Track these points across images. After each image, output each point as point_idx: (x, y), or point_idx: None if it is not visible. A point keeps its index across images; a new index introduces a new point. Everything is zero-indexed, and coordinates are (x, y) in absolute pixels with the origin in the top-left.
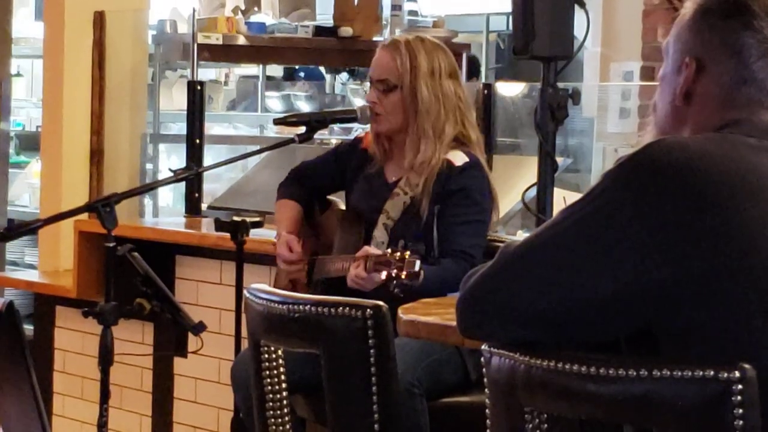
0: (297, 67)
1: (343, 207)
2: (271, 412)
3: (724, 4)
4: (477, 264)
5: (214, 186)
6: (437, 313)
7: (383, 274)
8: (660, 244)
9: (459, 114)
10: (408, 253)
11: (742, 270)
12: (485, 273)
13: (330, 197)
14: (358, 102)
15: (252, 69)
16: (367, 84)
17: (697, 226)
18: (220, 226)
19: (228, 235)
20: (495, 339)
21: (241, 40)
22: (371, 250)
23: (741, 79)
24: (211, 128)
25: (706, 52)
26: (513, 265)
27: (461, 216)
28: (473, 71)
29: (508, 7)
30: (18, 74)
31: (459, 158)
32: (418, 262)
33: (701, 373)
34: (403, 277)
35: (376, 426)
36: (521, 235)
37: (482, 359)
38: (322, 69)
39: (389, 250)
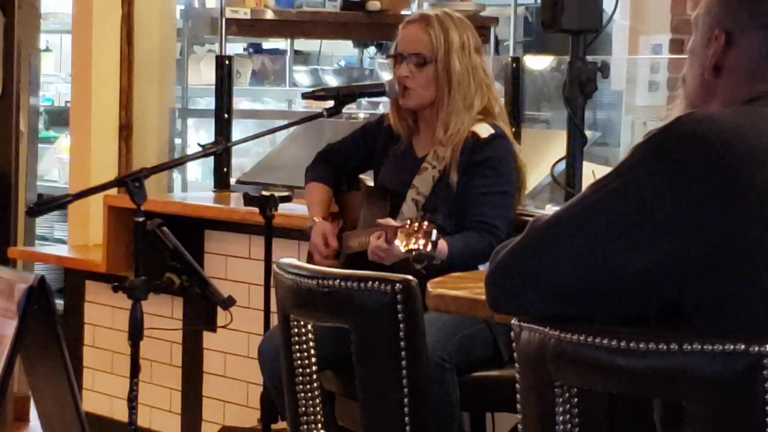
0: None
1: (368, 183)
2: (301, 387)
3: None
4: (501, 235)
5: (242, 160)
6: (467, 287)
7: (402, 246)
8: (690, 217)
9: (485, 87)
10: (426, 223)
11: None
12: (514, 247)
13: (360, 176)
14: (386, 76)
15: (280, 43)
16: (391, 59)
17: (727, 200)
18: (248, 200)
19: (257, 209)
20: (524, 313)
21: (269, 15)
22: (391, 222)
23: None
24: (239, 103)
25: (735, 24)
26: (542, 239)
27: (485, 187)
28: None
29: None
30: (47, 49)
31: (485, 130)
32: (434, 231)
33: (731, 346)
34: (420, 247)
35: (405, 400)
36: (550, 209)
37: (512, 333)
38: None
39: (408, 221)
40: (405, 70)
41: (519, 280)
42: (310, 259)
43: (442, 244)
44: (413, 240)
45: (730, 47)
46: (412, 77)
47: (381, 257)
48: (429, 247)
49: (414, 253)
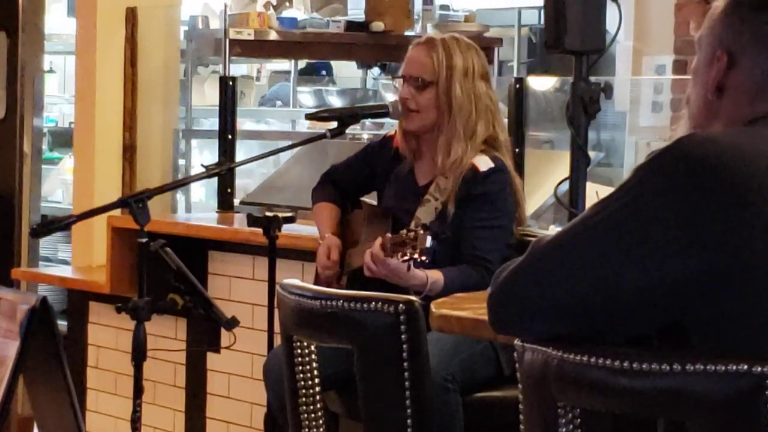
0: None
1: (370, 202)
2: (304, 407)
3: None
4: (494, 270)
5: (246, 181)
6: (470, 307)
7: (398, 255)
8: (692, 238)
9: (490, 115)
10: (421, 230)
11: None
12: (516, 268)
13: (362, 198)
14: (390, 97)
15: (284, 64)
16: (399, 80)
17: (728, 220)
18: (252, 221)
19: (260, 230)
20: (526, 334)
21: (273, 36)
22: (387, 235)
23: None
24: (243, 123)
25: (737, 44)
26: (544, 260)
27: (481, 221)
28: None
29: (539, 1)
30: (51, 70)
31: (484, 163)
32: (429, 238)
33: (734, 367)
34: (417, 256)
35: (409, 421)
36: (553, 230)
37: (515, 354)
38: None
39: (404, 231)
40: (406, 92)
41: (521, 301)
42: (317, 277)
43: (438, 275)
44: (409, 249)
45: (732, 68)
46: (412, 99)
47: (375, 271)
48: (425, 254)
49: (411, 261)
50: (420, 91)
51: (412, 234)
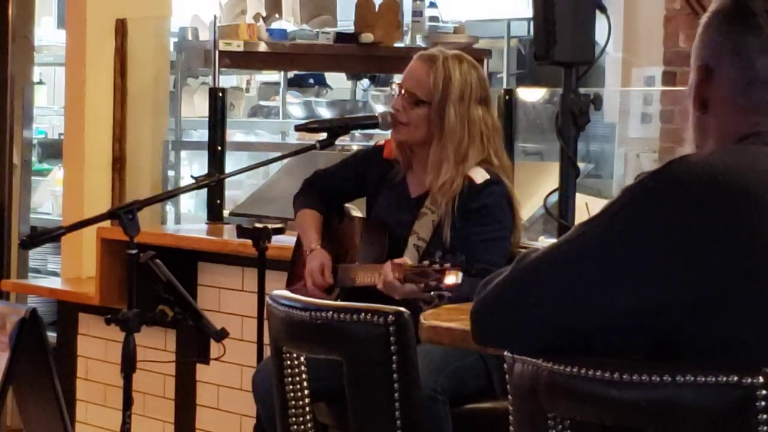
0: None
1: (357, 214)
2: (294, 419)
3: (729, 8)
4: None
5: (235, 193)
6: (459, 319)
7: (421, 285)
8: (682, 262)
9: (485, 140)
10: (448, 264)
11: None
12: (500, 284)
13: (346, 205)
14: (380, 108)
15: (273, 76)
16: (388, 89)
17: (719, 243)
18: (242, 232)
19: (250, 241)
20: (509, 349)
21: (263, 47)
22: (408, 261)
23: (745, 80)
24: (233, 135)
25: (712, 56)
26: (528, 280)
27: (484, 234)
28: None
29: (529, 13)
30: (40, 82)
31: (479, 175)
32: (460, 274)
33: (725, 378)
34: (443, 288)
35: None
36: (543, 241)
37: (505, 365)
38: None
39: (427, 262)
40: (398, 103)
41: (503, 316)
42: (292, 279)
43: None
44: (434, 281)
45: (710, 80)
46: (404, 112)
47: (391, 292)
48: (450, 289)
49: (434, 292)
50: (413, 106)
51: (437, 266)
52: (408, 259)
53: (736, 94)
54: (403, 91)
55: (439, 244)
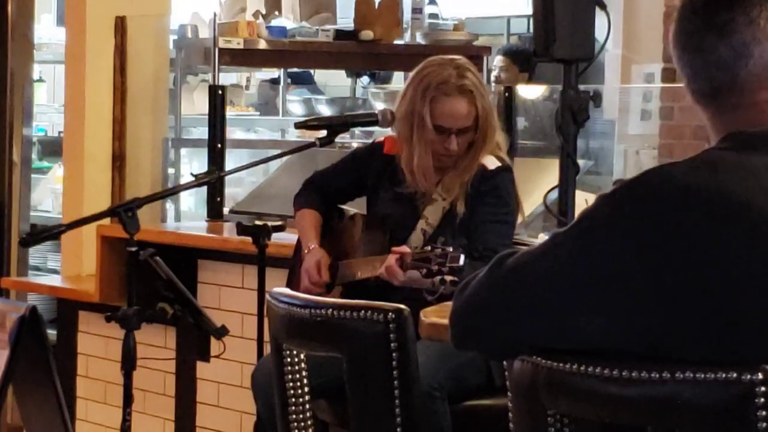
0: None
1: (356, 212)
2: (294, 416)
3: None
4: None
5: (235, 190)
6: None
7: (423, 271)
8: (649, 274)
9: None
10: (450, 248)
11: (736, 304)
12: (477, 289)
13: (342, 206)
14: (380, 105)
15: (273, 73)
16: (389, 87)
17: (690, 259)
18: (242, 230)
19: (250, 239)
20: (488, 355)
21: (262, 45)
22: (407, 248)
23: (698, 68)
24: (233, 132)
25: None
26: (504, 289)
27: (491, 215)
28: None
29: (528, 10)
30: (40, 80)
31: (491, 162)
32: (462, 257)
33: (724, 374)
34: (445, 271)
35: (398, 429)
36: (543, 238)
37: (504, 362)
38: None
39: (428, 248)
40: (454, 144)
41: (479, 325)
42: (292, 278)
43: None
44: (436, 266)
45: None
46: (459, 149)
47: (391, 278)
48: (454, 273)
49: (438, 277)
50: (463, 135)
51: (438, 251)
52: (406, 248)
53: (696, 84)
54: (455, 133)
55: (448, 230)
